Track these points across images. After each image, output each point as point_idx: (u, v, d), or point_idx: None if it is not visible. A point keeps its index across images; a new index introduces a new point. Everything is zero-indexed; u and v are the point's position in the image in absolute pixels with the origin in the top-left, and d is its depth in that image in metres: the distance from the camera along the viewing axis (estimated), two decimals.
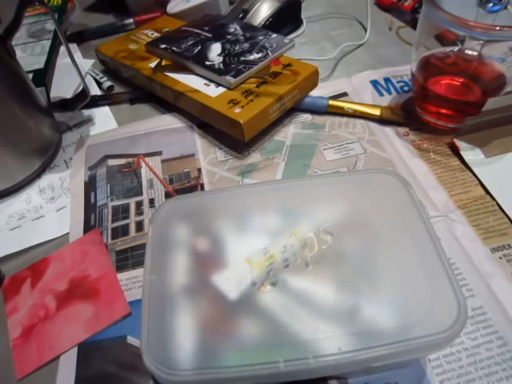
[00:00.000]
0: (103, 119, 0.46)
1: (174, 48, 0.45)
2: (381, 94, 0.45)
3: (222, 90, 0.40)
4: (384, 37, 0.54)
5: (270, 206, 0.28)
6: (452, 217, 0.33)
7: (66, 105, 0.45)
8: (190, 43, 0.45)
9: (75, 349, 0.28)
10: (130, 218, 0.36)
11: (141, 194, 0.38)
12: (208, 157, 0.40)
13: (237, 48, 0.44)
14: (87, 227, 0.35)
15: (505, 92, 0.36)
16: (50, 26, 0.57)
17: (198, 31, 0.47)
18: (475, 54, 0.38)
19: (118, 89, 0.49)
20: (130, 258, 0.33)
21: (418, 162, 0.38)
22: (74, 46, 0.56)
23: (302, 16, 0.57)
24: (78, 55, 0.55)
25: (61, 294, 0.31)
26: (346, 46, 0.51)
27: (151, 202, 0.37)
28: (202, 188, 0.38)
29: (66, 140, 0.44)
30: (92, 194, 0.38)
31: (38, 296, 0.31)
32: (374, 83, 0.46)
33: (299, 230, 0.26)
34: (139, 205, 0.37)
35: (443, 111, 0.39)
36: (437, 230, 0.31)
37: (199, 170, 0.39)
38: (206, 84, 0.41)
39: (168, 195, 0.37)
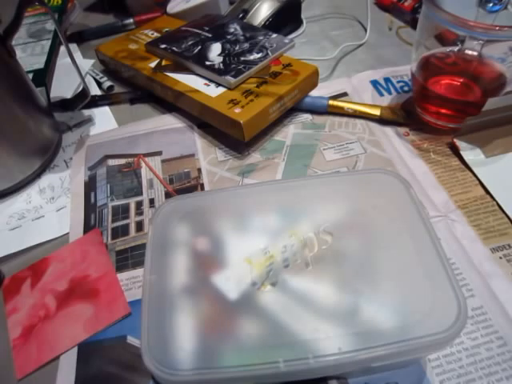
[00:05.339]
0: (103, 119, 0.46)
1: (173, 48, 0.45)
2: (381, 94, 0.45)
3: (222, 89, 0.40)
4: (384, 37, 0.54)
5: (270, 205, 0.28)
6: (452, 217, 0.33)
7: (66, 105, 0.45)
8: (190, 43, 0.45)
9: (75, 349, 0.28)
10: (130, 218, 0.36)
11: (141, 194, 0.38)
12: (208, 157, 0.40)
13: (237, 48, 0.44)
14: (87, 227, 0.35)
15: (505, 92, 0.36)
16: (50, 25, 0.57)
17: (197, 31, 0.47)
18: (475, 54, 0.38)
19: (117, 89, 0.49)
20: (129, 258, 0.33)
21: (418, 162, 0.38)
22: (74, 46, 0.56)
23: (302, 16, 0.57)
24: (77, 55, 0.55)
25: (61, 294, 0.31)
26: (346, 45, 0.51)
27: (151, 202, 0.37)
28: (202, 188, 0.38)
29: (66, 140, 0.44)
30: (92, 194, 0.38)
31: (38, 296, 0.31)
32: (374, 83, 0.46)
33: (299, 230, 0.26)
34: (139, 205, 0.37)
35: (443, 111, 0.39)
36: (437, 230, 0.30)
37: (199, 170, 0.39)
38: (205, 84, 0.41)
39: (168, 195, 0.37)
